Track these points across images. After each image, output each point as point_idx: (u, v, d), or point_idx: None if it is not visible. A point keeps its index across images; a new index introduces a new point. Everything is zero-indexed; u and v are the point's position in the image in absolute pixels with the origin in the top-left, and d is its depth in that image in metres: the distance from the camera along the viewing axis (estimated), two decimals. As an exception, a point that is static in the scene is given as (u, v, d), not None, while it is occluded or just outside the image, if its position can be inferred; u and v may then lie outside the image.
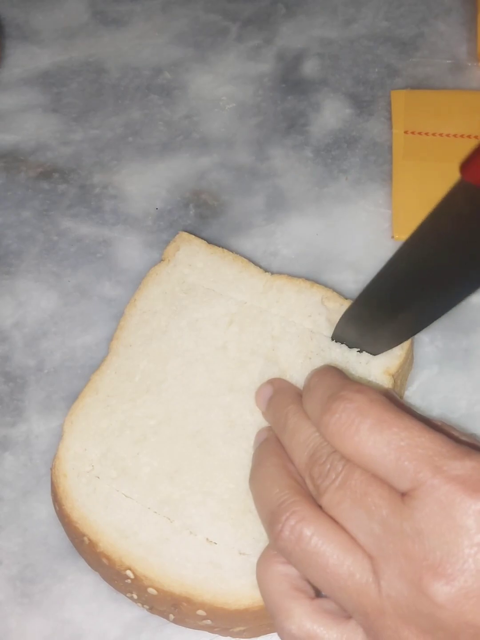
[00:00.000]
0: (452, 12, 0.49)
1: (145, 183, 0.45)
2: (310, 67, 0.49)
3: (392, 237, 0.42)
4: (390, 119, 0.45)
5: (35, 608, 0.35)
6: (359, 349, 0.37)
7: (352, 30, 0.50)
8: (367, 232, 0.43)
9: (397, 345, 0.36)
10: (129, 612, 0.35)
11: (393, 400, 0.32)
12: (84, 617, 0.35)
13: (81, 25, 0.51)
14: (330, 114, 0.47)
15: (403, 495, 0.27)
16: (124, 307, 0.41)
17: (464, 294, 0.33)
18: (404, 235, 0.42)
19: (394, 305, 0.34)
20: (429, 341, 0.40)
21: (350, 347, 0.37)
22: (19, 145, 0.47)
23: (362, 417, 0.28)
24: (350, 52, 0.49)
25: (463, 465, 0.26)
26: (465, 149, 0.43)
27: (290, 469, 0.31)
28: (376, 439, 0.28)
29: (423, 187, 0.43)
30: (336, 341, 0.37)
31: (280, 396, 0.35)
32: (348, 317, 0.36)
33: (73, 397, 0.39)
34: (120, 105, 0.48)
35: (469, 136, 0.44)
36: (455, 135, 0.44)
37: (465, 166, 0.28)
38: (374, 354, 0.36)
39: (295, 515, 0.28)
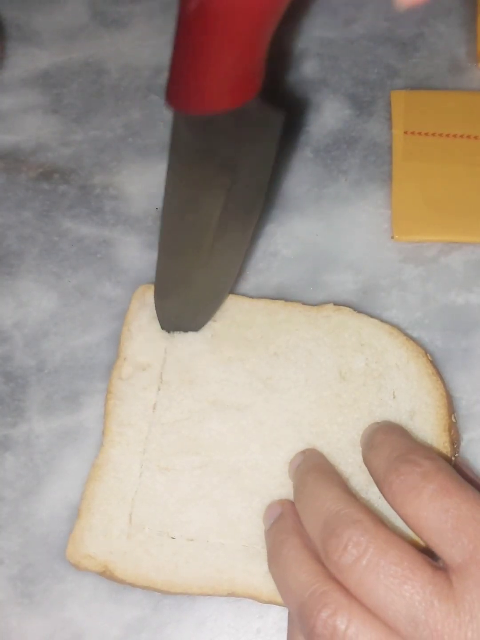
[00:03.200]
0: (451, 13, 0.49)
1: (146, 183, 0.45)
2: (309, 68, 0.49)
3: (392, 237, 0.42)
4: (390, 119, 0.45)
5: (35, 608, 0.35)
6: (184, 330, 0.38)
7: (352, 30, 0.50)
8: (366, 233, 0.43)
9: (214, 311, 0.37)
10: (129, 612, 0.35)
11: (461, 471, 0.32)
12: (85, 617, 0.35)
13: (81, 26, 0.51)
14: (330, 114, 0.47)
15: (448, 571, 0.27)
16: (124, 308, 0.41)
17: (245, 229, 0.32)
18: (404, 235, 0.42)
19: (187, 275, 0.34)
20: (429, 341, 0.40)
21: (175, 330, 0.38)
22: (19, 146, 0.47)
23: (426, 482, 0.28)
24: (350, 52, 0.49)
25: None
26: (465, 149, 0.44)
27: (312, 548, 0.30)
28: (436, 505, 0.28)
29: (423, 188, 0.43)
30: (166, 330, 0.38)
31: (306, 463, 0.34)
32: (158, 305, 0.37)
33: (74, 397, 0.39)
34: (120, 105, 0.48)
35: (468, 136, 0.44)
36: (455, 136, 0.44)
37: (167, 95, 0.27)
38: (197, 331, 0.37)
39: (327, 608, 0.27)
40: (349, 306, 0.39)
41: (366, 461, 0.33)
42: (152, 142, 0.47)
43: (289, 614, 0.31)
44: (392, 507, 0.29)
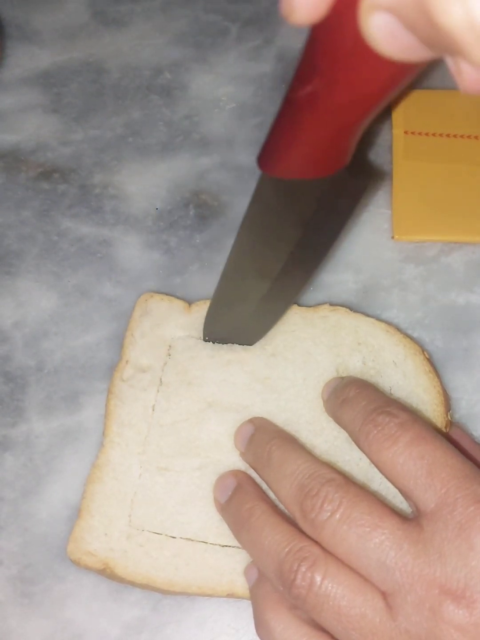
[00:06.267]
0: (452, 12, 0.49)
1: (145, 183, 0.45)
2: (310, 67, 0.48)
3: (392, 237, 0.42)
4: (390, 119, 0.45)
5: (35, 608, 0.35)
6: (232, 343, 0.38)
7: (352, 30, 0.49)
8: (367, 232, 0.43)
9: (266, 331, 0.37)
10: (129, 612, 0.35)
11: (460, 437, 0.34)
12: (85, 617, 0.35)
13: (81, 25, 0.51)
14: (331, 114, 0.47)
15: (419, 517, 0.27)
16: (123, 308, 0.41)
17: (305, 276, 0.34)
18: (404, 235, 0.42)
19: (247, 297, 0.35)
20: (429, 341, 0.40)
21: (223, 343, 0.38)
22: (19, 145, 0.47)
23: (402, 431, 0.29)
24: (350, 52, 0.49)
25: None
26: (465, 149, 0.44)
27: (281, 512, 0.31)
28: (412, 452, 0.28)
29: (423, 188, 0.43)
30: (209, 340, 0.38)
31: (262, 433, 0.34)
32: (212, 317, 0.37)
33: (73, 398, 0.39)
34: (120, 105, 0.48)
35: (469, 136, 0.44)
36: (455, 136, 0.44)
37: (259, 157, 0.29)
38: (250, 345, 0.37)
39: (306, 561, 0.28)
40: (349, 306, 0.39)
41: (337, 414, 0.33)
42: (152, 141, 0.47)
43: (256, 582, 0.32)
44: (368, 455, 0.30)
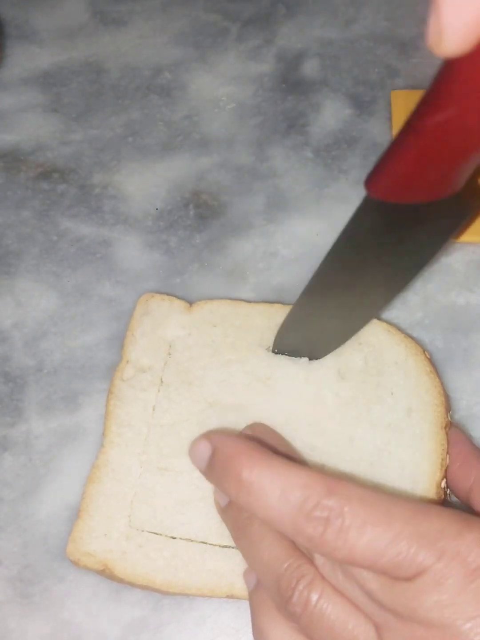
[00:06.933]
0: (452, 12, 0.49)
1: (145, 183, 0.45)
2: (310, 68, 0.49)
3: (392, 237, 0.42)
4: (390, 119, 0.45)
5: (34, 608, 0.35)
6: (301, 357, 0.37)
7: (352, 30, 0.50)
8: (367, 233, 0.43)
9: (337, 346, 0.37)
10: (129, 612, 0.35)
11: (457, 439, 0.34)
12: (84, 618, 0.35)
13: (81, 25, 0.51)
14: (330, 114, 0.47)
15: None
16: (123, 308, 0.41)
17: (390, 295, 0.35)
18: (404, 235, 0.42)
19: (329, 312, 0.36)
20: (429, 341, 0.40)
21: (291, 355, 0.37)
22: (18, 145, 0.47)
23: (341, 521, 0.26)
24: (350, 52, 0.49)
25: (464, 542, 0.25)
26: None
27: None
28: (369, 539, 0.26)
29: (423, 188, 0.43)
30: (277, 353, 0.37)
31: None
32: (287, 329, 0.37)
33: (73, 398, 0.39)
34: (120, 105, 0.48)
35: (469, 136, 0.44)
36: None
37: (368, 181, 0.30)
38: (316, 358, 0.37)
39: (304, 579, 0.28)
40: (349, 306, 0.39)
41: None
42: (151, 141, 0.47)
43: (254, 587, 0.31)
44: (327, 558, 0.28)
